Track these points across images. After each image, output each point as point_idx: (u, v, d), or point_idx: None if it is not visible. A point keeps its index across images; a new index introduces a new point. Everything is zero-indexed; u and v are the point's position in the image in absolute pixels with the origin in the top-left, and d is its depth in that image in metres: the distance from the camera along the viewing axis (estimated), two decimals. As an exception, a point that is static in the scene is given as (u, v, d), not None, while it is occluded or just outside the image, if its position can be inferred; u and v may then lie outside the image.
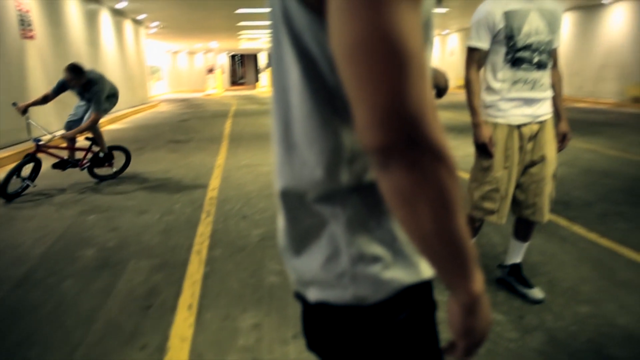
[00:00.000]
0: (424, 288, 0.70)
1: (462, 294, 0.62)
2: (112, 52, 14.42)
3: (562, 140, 2.45)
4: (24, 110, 4.93)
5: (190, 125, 11.19)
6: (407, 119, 0.50)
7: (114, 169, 5.60)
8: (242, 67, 41.93)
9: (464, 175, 2.94)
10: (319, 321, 0.73)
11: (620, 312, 2.34)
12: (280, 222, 0.75)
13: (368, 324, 0.68)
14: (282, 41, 0.64)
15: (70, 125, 5.31)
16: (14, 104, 5.01)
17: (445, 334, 0.70)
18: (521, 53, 2.21)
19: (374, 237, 0.66)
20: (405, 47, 0.49)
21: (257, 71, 37.18)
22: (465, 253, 0.58)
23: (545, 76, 2.27)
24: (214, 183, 5.24)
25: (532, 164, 2.38)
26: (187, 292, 2.67)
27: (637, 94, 13.18)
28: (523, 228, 2.53)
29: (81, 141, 5.57)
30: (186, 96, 25.48)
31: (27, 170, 4.97)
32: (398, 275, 0.67)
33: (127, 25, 16.63)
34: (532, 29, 2.19)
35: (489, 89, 2.33)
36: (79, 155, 5.50)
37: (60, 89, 5.12)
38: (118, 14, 15.26)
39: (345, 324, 0.69)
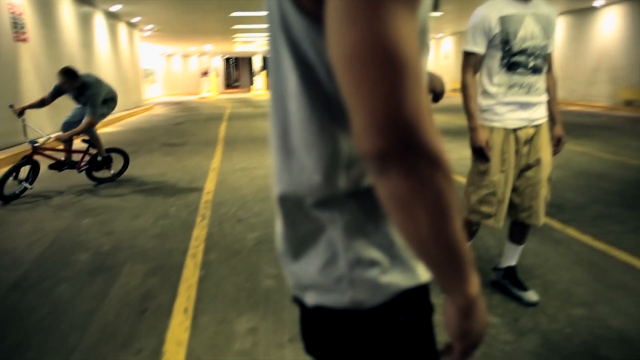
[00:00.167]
0: (421, 291, 0.71)
1: (459, 297, 0.63)
2: (106, 55, 14.37)
3: (557, 144, 2.47)
4: (21, 112, 4.91)
5: (185, 128, 11.17)
6: (404, 124, 0.50)
7: (112, 172, 5.60)
8: (237, 70, 41.94)
9: (460, 178, 2.95)
10: (317, 325, 0.73)
11: (614, 314, 2.36)
12: (279, 226, 0.75)
13: (366, 327, 0.69)
14: (280, 48, 0.64)
15: (67, 127, 5.29)
16: (11, 106, 4.98)
17: (442, 336, 0.70)
18: (517, 57, 2.23)
19: (371, 242, 0.67)
20: (401, 53, 0.50)
21: (251, 74, 37.18)
22: (461, 257, 0.59)
23: (540, 80, 2.29)
24: (209, 186, 5.23)
25: (528, 167, 2.39)
26: (183, 296, 2.66)
27: (629, 97, 13.29)
28: (518, 231, 2.55)
29: (78, 143, 5.55)
30: (180, 99, 25.44)
31: (24, 172, 4.95)
32: (395, 279, 0.67)
33: (122, 28, 16.58)
34: (527, 33, 2.21)
35: (485, 93, 2.35)
36: (76, 157, 5.48)
37: (56, 92, 5.11)
38: (112, 16, 15.21)
39: (343, 327, 0.70)
